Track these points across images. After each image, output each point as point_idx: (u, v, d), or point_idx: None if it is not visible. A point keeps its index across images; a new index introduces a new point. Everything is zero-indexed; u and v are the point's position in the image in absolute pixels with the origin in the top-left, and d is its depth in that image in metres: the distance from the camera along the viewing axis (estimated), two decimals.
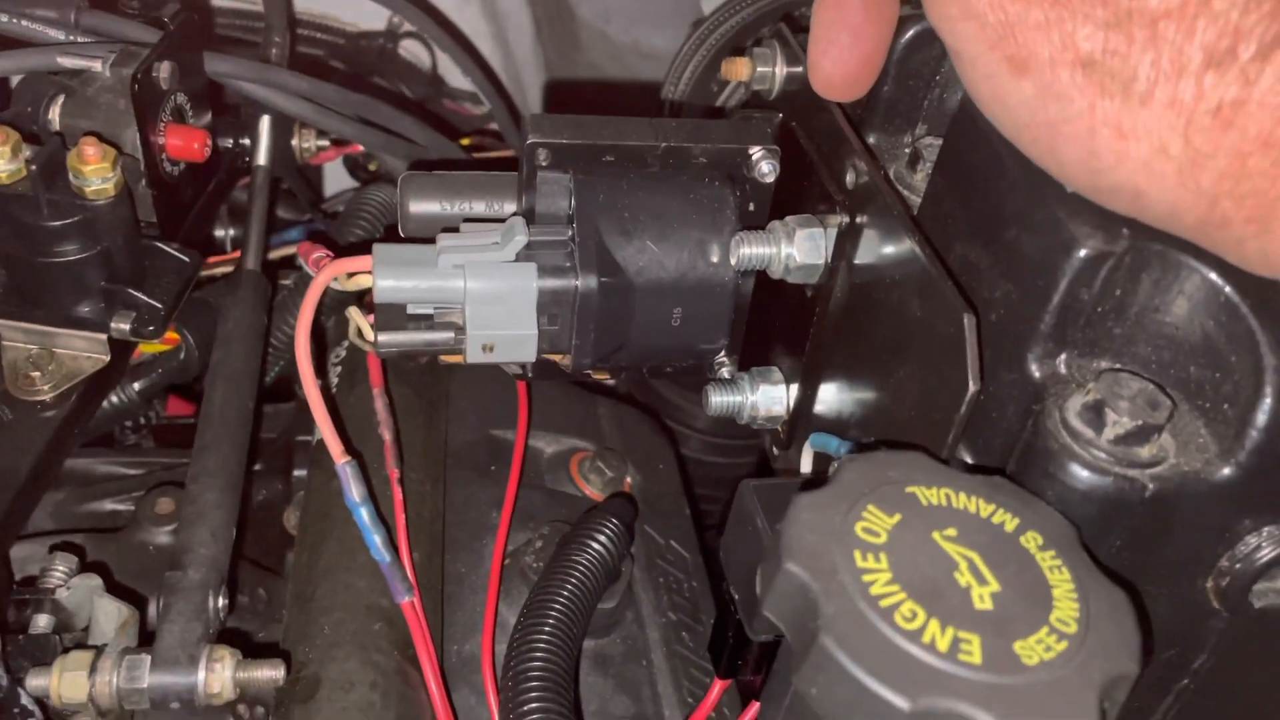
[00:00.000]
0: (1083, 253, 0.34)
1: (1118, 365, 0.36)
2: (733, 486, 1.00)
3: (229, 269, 0.71)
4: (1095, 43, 0.29)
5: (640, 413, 0.75)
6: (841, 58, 0.42)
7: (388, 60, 1.01)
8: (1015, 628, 0.29)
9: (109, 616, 0.44)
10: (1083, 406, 0.34)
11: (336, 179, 0.96)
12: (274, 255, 0.72)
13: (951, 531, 0.31)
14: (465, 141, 0.85)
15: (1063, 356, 0.36)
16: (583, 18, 1.13)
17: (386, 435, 0.53)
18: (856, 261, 0.43)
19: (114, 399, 0.60)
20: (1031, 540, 0.32)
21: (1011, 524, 0.32)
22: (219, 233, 0.81)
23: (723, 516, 0.92)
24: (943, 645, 0.28)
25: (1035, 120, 0.32)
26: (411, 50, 1.03)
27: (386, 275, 0.43)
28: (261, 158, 0.65)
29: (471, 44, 1.02)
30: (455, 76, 1.04)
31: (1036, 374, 0.36)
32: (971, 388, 0.34)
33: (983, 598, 0.30)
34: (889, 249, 0.40)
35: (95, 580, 0.47)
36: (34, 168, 0.48)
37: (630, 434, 0.71)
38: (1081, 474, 0.33)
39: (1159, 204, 0.31)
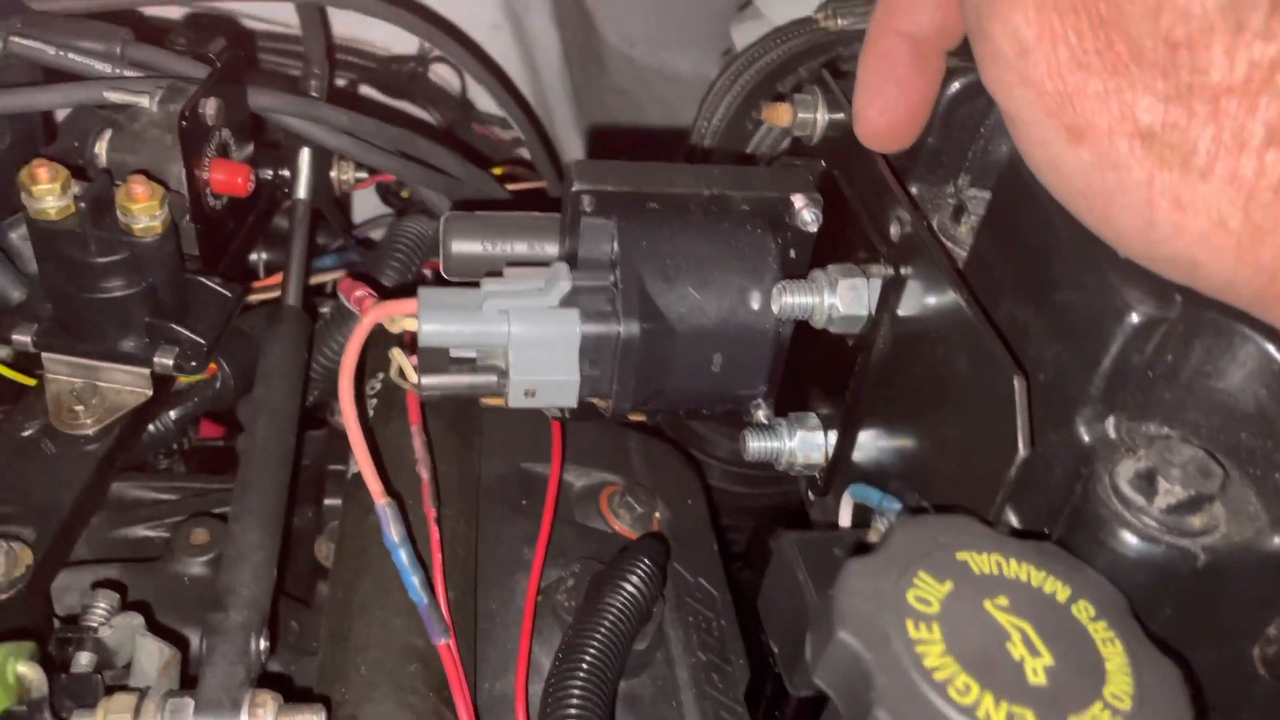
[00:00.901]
0: (1135, 318, 0.34)
1: (1167, 430, 0.36)
2: (756, 516, 1.00)
3: (265, 296, 0.71)
4: (1155, 115, 0.29)
5: (669, 446, 0.75)
6: (888, 108, 0.42)
7: (418, 84, 1.02)
8: (1069, 703, 0.29)
9: (151, 657, 0.45)
10: (1134, 474, 0.34)
11: (366, 203, 0.97)
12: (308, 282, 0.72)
13: (1003, 600, 0.31)
14: (497, 171, 0.85)
15: (1111, 420, 0.36)
16: (609, 41, 1.13)
17: (424, 474, 0.53)
18: (900, 313, 0.43)
19: (151, 428, 0.61)
20: (1083, 610, 0.32)
21: (1063, 593, 0.32)
22: (251, 256, 0.81)
23: (748, 546, 0.92)
24: None
25: (1091, 188, 0.32)
26: (441, 75, 1.04)
27: (432, 320, 0.43)
28: (302, 191, 0.66)
29: (501, 70, 1.02)
30: (485, 101, 1.04)
31: (1085, 437, 0.36)
32: (1022, 452, 0.34)
33: (1036, 671, 0.30)
34: (935, 303, 0.40)
35: (137, 619, 0.47)
36: (83, 205, 0.49)
37: (659, 468, 0.71)
38: (1133, 542, 0.33)
39: (1216, 276, 0.31)
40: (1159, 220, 0.30)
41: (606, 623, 0.50)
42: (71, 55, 0.57)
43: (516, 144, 1.04)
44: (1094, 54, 0.30)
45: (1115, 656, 0.30)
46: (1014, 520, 0.38)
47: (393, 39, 1.00)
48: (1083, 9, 0.30)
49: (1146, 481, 0.34)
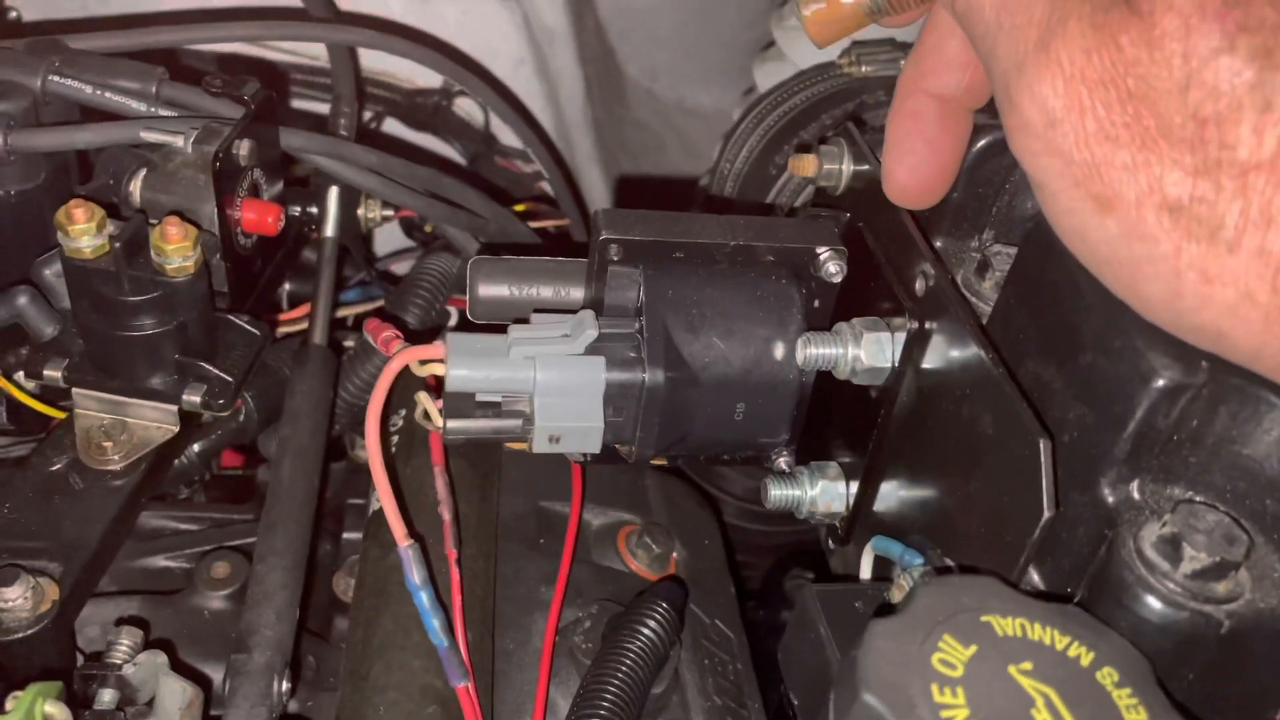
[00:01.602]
0: (1161, 383, 0.34)
1: (1192, 494, 0.36)
2: (771, 554, 1.00)
3: (289, 329, 0.72)
4: (1183, 189, 0.29)
5: (686, 485, 0.75)
6: (917, 168, 0.43)
7: (442, 117, 1.03)
8: None
9: (174, 696, 0.45)
10: (1159, 538, 0.34)
11: (389, 237, 0.98)
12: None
13: (1027, 665, 0.31)
14: (520, 208, 0.86)
15: (1136, 482, 0.36)
16: (631, 75, 1.14)
17: (446, 515, 0.53)
18: (924, 367, 0.43)
19: (175, 461, 0.61)
20: (1107, 677, 0.32)
21: (1087, 658, 0.32)
22: None
23: (763, 584, 0.92)
24: None
25: (1118, 258, 0.32)
26: (465, 108, 1.05)
27: (460, 365, 0.44)
28: (330, 229, 0.67)
29: (524, 105, 1.03)
30: (507, 134, 1.05)
31: (1110, 499, 0.36)
32: (1046, 514, 0.35)
33: None
34: (959, 359, 0.41)
35: (161, 657, 0.47)
36: (117, 244, 0.50)
37: (677, 507, 0.71)
38: (1157, 607, 0.33)
39: (1243, 347, 0.31)
40: (1186, 291, 0.31)
41: (625, 667, 0.50)
42: (108, 94, 0.58)
43: (538, 176, 1.05)
44: (1122, 127, 0.30)
45: None
46: (1037, 580, 0.38)
47: (417, 72, 1.01)
48: (1111, 83, 0.30)
49: (1171, 546, 0.34)
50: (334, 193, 0.67)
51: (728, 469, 0.90)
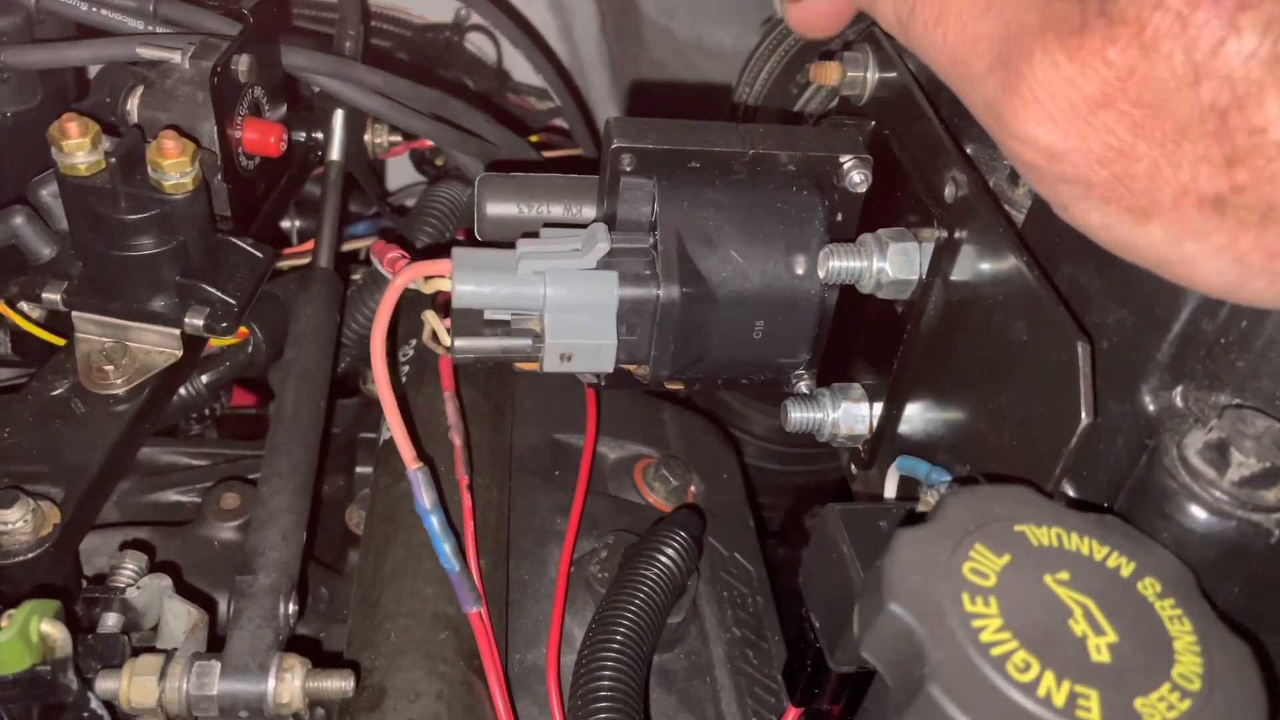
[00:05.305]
0: None
1: (1238, 400, 0.34)
2: (792, 494, 0.98)
3: (298, 261, 0.70)
4: (1220, 182, 0.27)
5: (705, 420, 0.74)
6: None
7: (454, 53, 1.01)
8: (1135, 683, 0.27)
9: (179, 619, 0.44)
10: (1204, 445, 0.32)
11: (400, 171, 0.96)
12: (341, 248, 0.71)
13: (1064, 575, 0.30)
14: (534, 139, 0.84)
15: (1179, 389, 0.34)
16: (647, 13, 1.11)
17: (457, 440, 0.52)
18: (953, 278, 0.41)
19: (183, 392, 0.60)
20: (1149, 587, 0.30)
21: (1127, 568, 0.30)
22: (284, 223, 0.80)
23: (784, 524, 0.91)
24: (1059, 700, 0.27)
25: (1169, 259, 0.30)
26: (477, 44, 1.03)
27: (466, 280, 0.42)
28: (335, 153, 0.65)
29: (539, 36, 1.01)
30: (520, 70, 1.03)
31: (1151, 406, 0.34)
32: (1084, 420, 0.33)
33: (1100, 649, 0.28)
34: (991, 267, 0.39)
35: (165, 580, 0.46)
36: (113, 160, 0.48)
37: (695, 441, 0.70)
38: (1202, 516, 0.32)
39: None
40: (1254, 271, 0.28)
41: (641, 595, 0.49)
42: (103, 11, 0.56)
43: (552, 114, 1.03)
44: (1134, 138, 0.28)
45: (1183, 635, 0.29)
46: (1072, 494, 0.36)
47: (428, 7, 0.99)
48: (1109, 101, 0.28)
49: (1218, 453, 0.32)
50: (339, 115, 0.65)
51: (750, 410, 0.89)
